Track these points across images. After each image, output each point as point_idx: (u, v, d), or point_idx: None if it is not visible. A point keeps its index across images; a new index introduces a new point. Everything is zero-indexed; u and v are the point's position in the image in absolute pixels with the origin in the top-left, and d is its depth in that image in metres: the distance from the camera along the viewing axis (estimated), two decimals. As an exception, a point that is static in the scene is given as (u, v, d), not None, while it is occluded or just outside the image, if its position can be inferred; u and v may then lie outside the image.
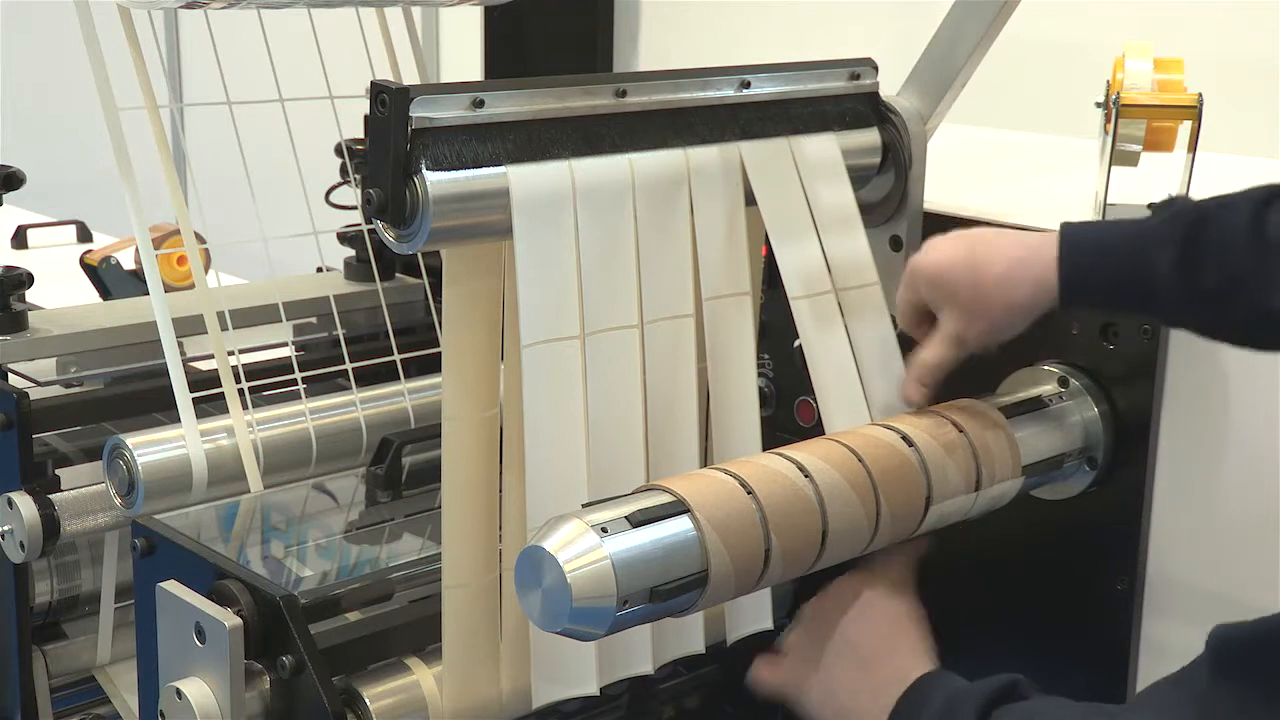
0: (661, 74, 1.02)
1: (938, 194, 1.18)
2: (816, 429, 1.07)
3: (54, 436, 1.32)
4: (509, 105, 0.93)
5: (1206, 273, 0.94)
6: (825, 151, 1.09)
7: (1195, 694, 0.78)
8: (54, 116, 4.17)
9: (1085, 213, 1.18)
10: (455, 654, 0.99)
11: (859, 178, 1.12)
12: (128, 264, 1.91)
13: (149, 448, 1.16)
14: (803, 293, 1.06)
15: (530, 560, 0.81)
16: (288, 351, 1.39)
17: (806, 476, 0.91)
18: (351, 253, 1.60)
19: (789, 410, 1.29)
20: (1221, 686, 0.76)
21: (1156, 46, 1.19)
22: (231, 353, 1.22)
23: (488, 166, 0.92)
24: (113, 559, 1.29)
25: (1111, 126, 1.15)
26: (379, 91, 0.89)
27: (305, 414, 1.24)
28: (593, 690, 0.97)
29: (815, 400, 1.06)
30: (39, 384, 1.39)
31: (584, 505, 0.84)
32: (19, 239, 2.40)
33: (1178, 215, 0.96)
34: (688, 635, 1.05)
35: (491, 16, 2.97)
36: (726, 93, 1.05)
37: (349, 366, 1.29)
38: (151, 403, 1.30)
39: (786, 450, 0.94)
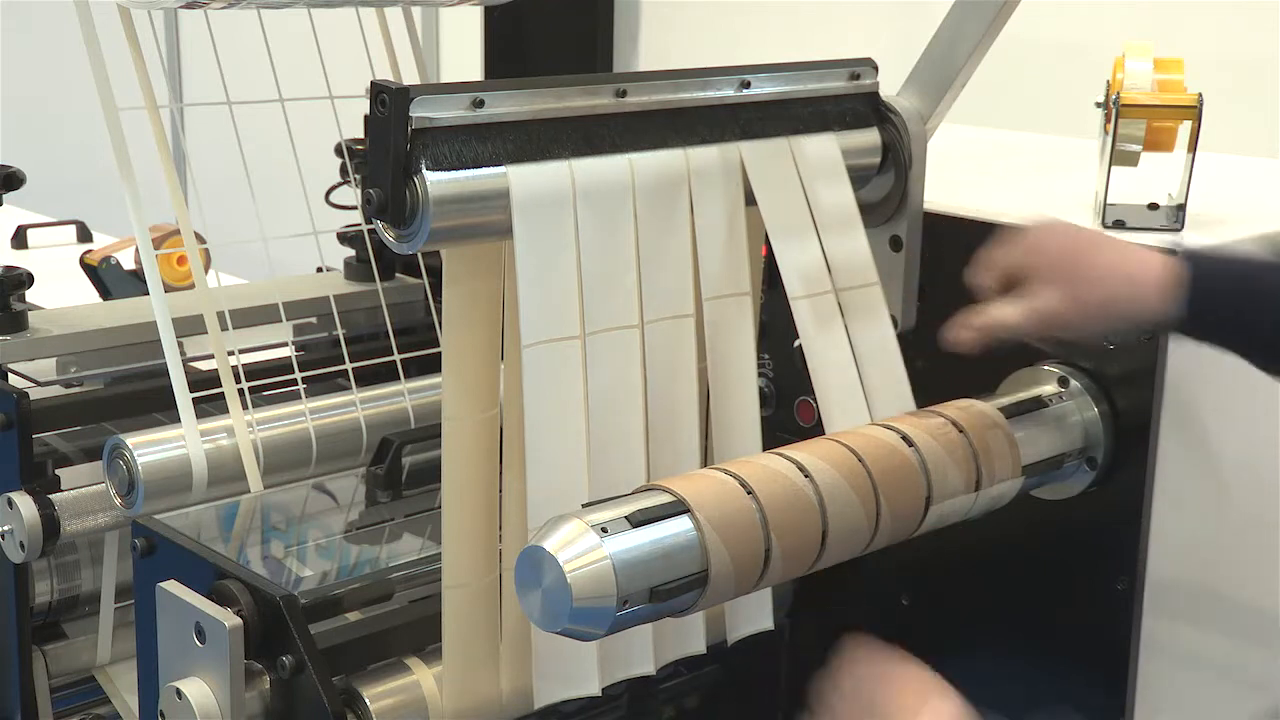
0: (661, 74, 1.02)
1: (938, 194, 1.18)
2: (816, 429, 1.07)
3: (54, 436, 1.32)
4: (509, 105, 0.93)
5: None
6: (825, 151, 1.09)
7: None
8: (54, 116, 4.16)
9: (1085, 213, 1.18)
10: (455, 654, 0.99)
11: (859, 178, 1.12)
12: (128, 264, 1.91)
13: (149, 448, 1.16)
14: (803, 293, 1.06)
15: (530, 560, 0.81)
16: (288, 351, 1.39)
17: (806, 476, 0.91)
18: (351, 253, 1.60)
19: (789, 410, 1.29)
20: None
21: (1156, 46, 1.19)
22: (231, 353, 1.22)
23: (488, 166, 0.92)
24: (113, 559, 1.29)
25: (1111, 126, 1.15)
26: (379, 91, 0.89)
27: (305, 414, 1.24)
28: (594, 690, 0.97)
29: (815, 400, 1.06)
30: (39, 384, 1.39)
31: (584, 505, 0.84)
32: (19, 239, 2.40)
33: None
34: (689, 635, 1.05)
35: (491, 16, 2.97)
36: (726, 93, 1.05)
37: (349, 366, 1.29)
38: (151, 403, 1.30)
39: (786, 450, 0.94)
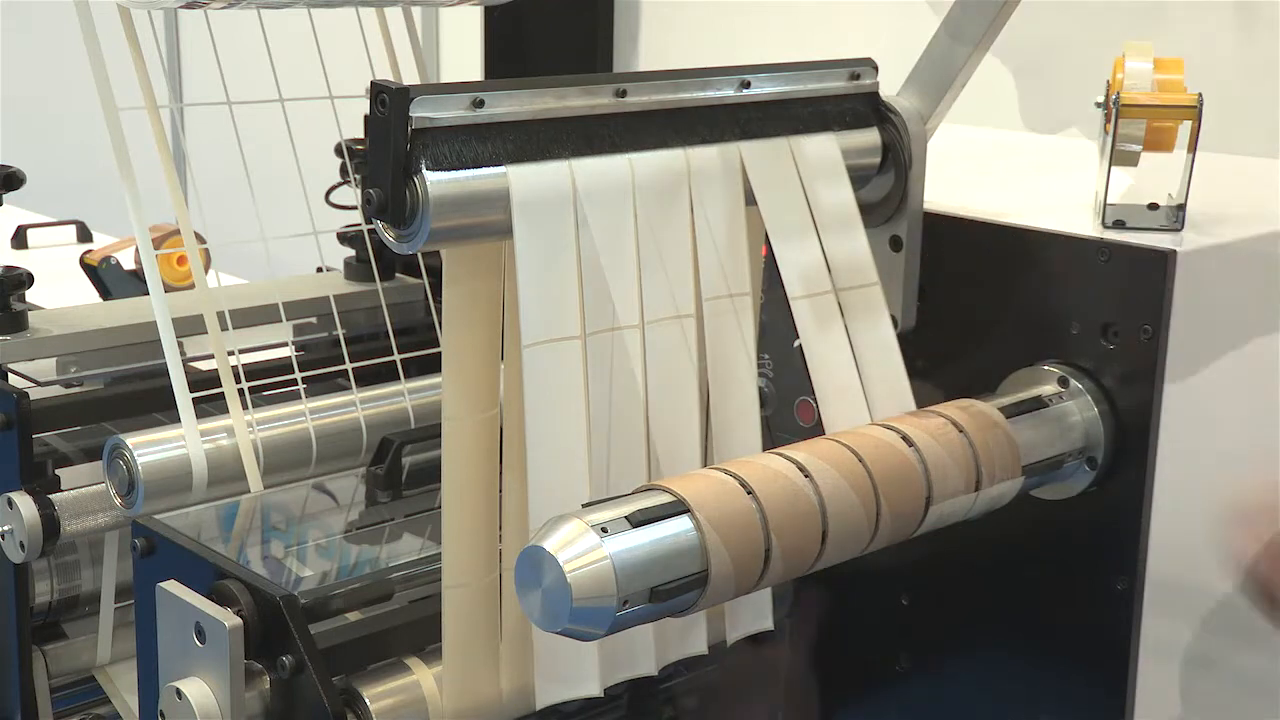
0: (661, 74, 1.02)
1: (938, 194, 1.18)
2: (816, 429, 1.07)
3: (54, 436, 1.32)
4: (509, 105, 0.93)
5: None
6: (825, 151, 1.09)
7: None
8: (54, 116, 4.17)
9: (1085, 213, 1.18)
10: (455, 654, 0.99)
11: (859, 178, 1.12)
12: (128, 264, 1.91)
13: (149, 448, 1.16)
14: (803, 293, 1.06)
15: (530, 560, 0.81)
16: (288, 351, 1.39)
17: (806, 476, 0.91)
18: (351, 253, 1.60)
19: (789, 410, 1.29)
20: None
21: (1156, 46, 1.19)
22: (231, 353, 1.22)
23: (488, 166, 0.92)
24: (113, 559, 1.29)
25: (1111, 126, 1.15)
26: (379, 91, 0.89)
27: (305, 414, 1.24)
28: (595, 691, 0.97)
29: (815, 400, 1.06)
30: (39, 384, 1.39)
31: (584, 505, 0.84)
32: (19, 239, 2.40)
33: None
34: (690, 636, 1.05)
35: (491, 16, 2.97)
36: (726, 93, 1.05)
37: (349, 366, 1.29)
38: (151, 403, 1.30)
39: (786, 450, 0.94)
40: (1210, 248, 1.10)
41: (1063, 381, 1.12)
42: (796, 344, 1.08)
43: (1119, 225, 1.14)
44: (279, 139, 1.32)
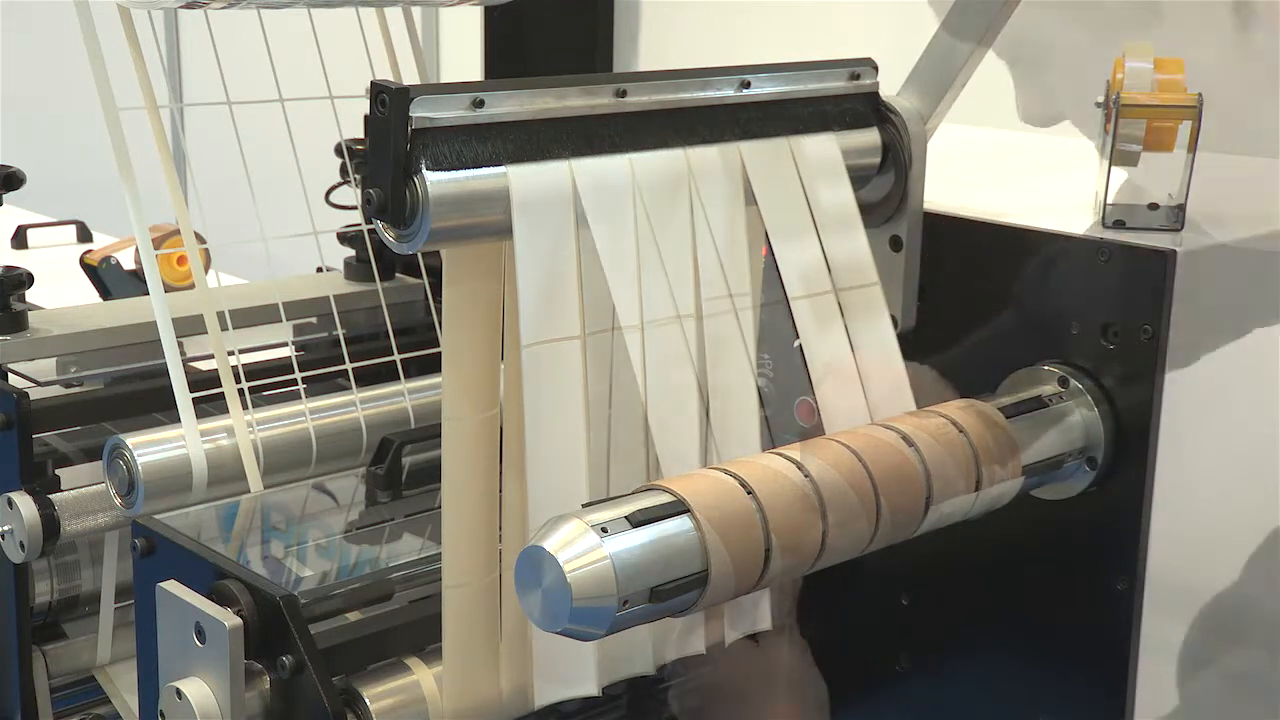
0: (661, 74, 1.02)
1: (938, 194, 1.18)
2: (816, 429, 1.07)
3: (54, 436, 1.32)
4: (509, 105, 0.93)
5: None
6: (825, 151, 1.09)
7: None
8: (54, 116, 4.17)
9: (1085, 213, 1.18)
10: (455, 654, 0.99)
11: (859, 178, 1.12)
12: (128, 264, 1.91)
13: (149, 448, 1.16)
14: (803, 293, 1.06)
15: (530, 560, 0.81)
16: (288, 351, 1.39)
17: (806, 476, 0.91)
18: (351, 253, 1.60)
19: (789, 410, 1.29)
20: None
21: (1156, 46, 1.18)
22: (231, 353, 1.22)
23: (488, 166, 0.92)
24: (113, 559, 1.29)
25: (1111, 126, 1.15)
26: (379, 91, 0.89)
27: (305, 414, 1.24)
28: (593, 691, 0.97)
29: (815, 400, 1.06)
30: (39, 384, 1.39)
31: (584, 505, 0.84)
32: (19, 239, 2.41)
33: None
34: (689, 635, 1.05)
35: (491, 16, 2.97)
36: (726, 93, 1.05)
37: (349, 366, 1.29)
38: (151, 403, 1.30)
39: (786, 450, 0.94)
40: (1210, 248, 1.10)
41: (1063, 381, 1.12)
42: (796, 344, 1.08)
43: (1119, 225, 1.14)
44: (279, 139, 1.32)
